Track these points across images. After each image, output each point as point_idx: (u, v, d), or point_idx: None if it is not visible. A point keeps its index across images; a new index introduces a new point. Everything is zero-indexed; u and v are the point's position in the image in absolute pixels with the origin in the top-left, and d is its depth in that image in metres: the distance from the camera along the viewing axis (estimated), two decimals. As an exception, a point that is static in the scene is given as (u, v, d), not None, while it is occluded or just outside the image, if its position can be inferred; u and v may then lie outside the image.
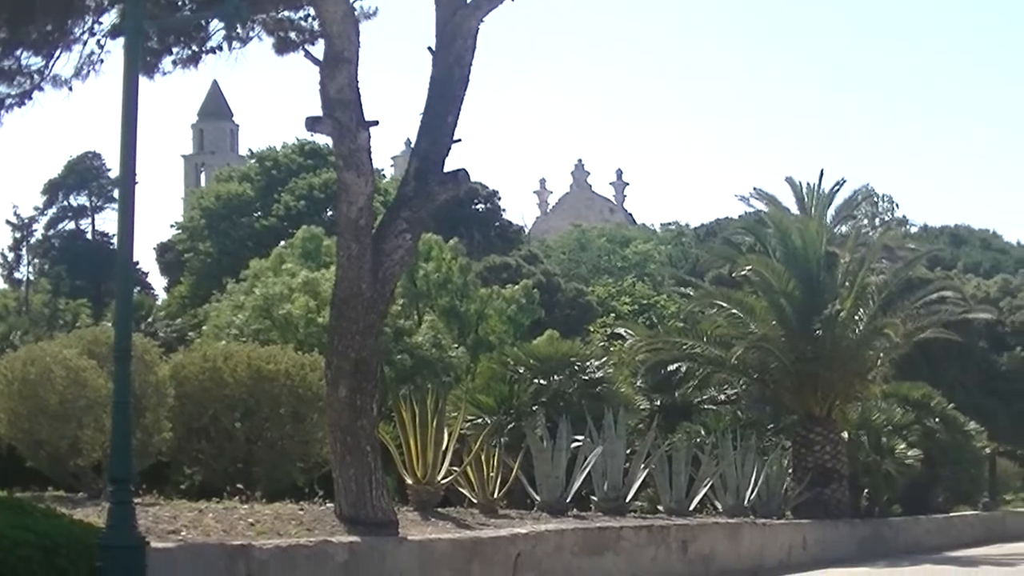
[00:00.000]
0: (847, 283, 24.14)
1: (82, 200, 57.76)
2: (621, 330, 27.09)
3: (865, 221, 44.66)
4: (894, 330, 23.16)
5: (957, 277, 42.15)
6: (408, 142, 62.97)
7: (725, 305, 23.83)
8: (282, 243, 37.00)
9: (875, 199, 63.07)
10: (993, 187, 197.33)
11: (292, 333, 27.59)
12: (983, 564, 20.07)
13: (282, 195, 49.48)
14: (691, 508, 18.22)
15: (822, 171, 25.20)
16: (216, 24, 12.40)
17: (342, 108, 10.91)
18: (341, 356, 10.95)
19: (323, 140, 34.32)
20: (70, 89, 12.87)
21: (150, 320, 37.63)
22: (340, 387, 10.89)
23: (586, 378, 20.85)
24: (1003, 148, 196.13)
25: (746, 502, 19.93)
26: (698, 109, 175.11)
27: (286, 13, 12.75)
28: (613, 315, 38.39)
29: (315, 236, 35.06)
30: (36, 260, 55.16)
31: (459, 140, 11.56)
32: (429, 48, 11.58)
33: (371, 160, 11.18)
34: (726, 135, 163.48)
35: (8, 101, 12.90)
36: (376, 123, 11.12)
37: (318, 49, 11.49)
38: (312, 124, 11.48)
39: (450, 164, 11.65)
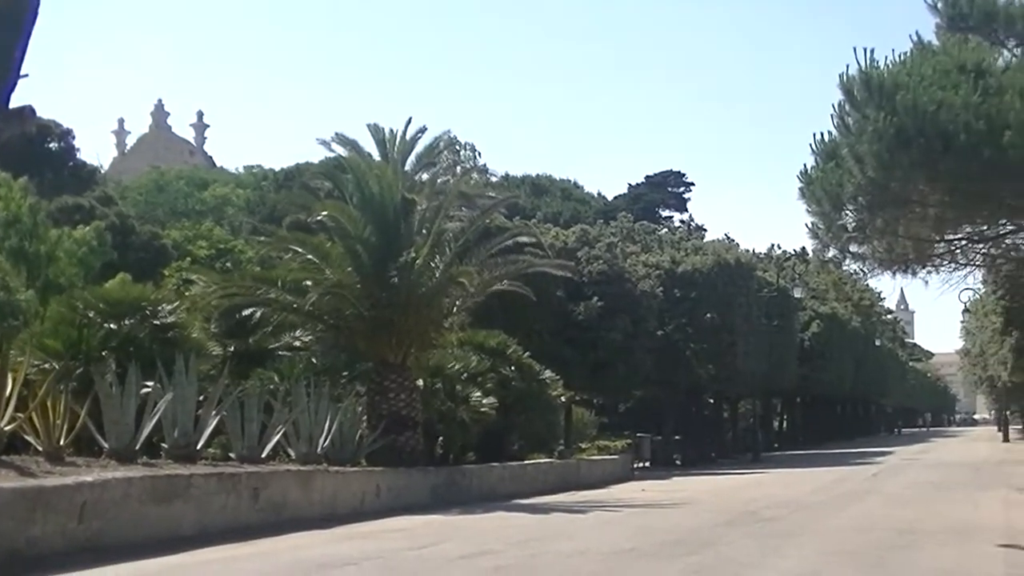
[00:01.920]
0: (424, 230, 25.33)
1: None
2: (193, 276, 27.39)
3: (450, 169, 46.97)
4: (469, 279, 24.54)
5: (537, 226, 44.17)
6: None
7: (301, 251, 24.82)
8: None
9: (457, 147, 66.82)
10: (574, 138, 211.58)
11: None
12: (556, 511, 21.59)
13: None
14: (263, 455, 18.89)
15: (410, 119, 26.00)
16: None
17: None
18: None
19: None
20: None
21: None
22: None
23: (158, 323, 20.97)
24: (583, 101, 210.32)
25: (319, 449, 20.91)
26: (283, 53, 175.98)
27: None
28: (189, 259, 38.96)
29: None
30: None
31: (27, 75, 11.90)
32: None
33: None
34: (313, 80, 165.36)
35: None
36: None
37: None
38: None
39: (18, 100, 11.97)
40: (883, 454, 54.65)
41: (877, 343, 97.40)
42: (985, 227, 21.07)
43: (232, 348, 25.13)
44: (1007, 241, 22.58)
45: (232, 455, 18.82)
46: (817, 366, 70.01)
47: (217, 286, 24.71)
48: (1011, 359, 42.14)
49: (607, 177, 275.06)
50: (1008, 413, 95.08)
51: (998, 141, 16.21)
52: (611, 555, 13.33)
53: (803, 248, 72.58)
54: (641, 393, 51.06)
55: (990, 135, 16.28)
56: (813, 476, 35.15)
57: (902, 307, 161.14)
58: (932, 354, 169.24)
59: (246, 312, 24.79)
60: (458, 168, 60.90)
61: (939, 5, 18.28)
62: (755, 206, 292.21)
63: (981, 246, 22.45)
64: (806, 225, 19.61)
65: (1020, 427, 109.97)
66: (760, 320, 57.25)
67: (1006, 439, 77.08)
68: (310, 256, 24.68)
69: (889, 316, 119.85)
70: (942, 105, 16.40)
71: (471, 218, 26.91)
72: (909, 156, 16.54)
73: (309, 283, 23.89)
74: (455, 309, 26.57)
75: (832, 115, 18.06)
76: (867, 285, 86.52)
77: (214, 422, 18.13)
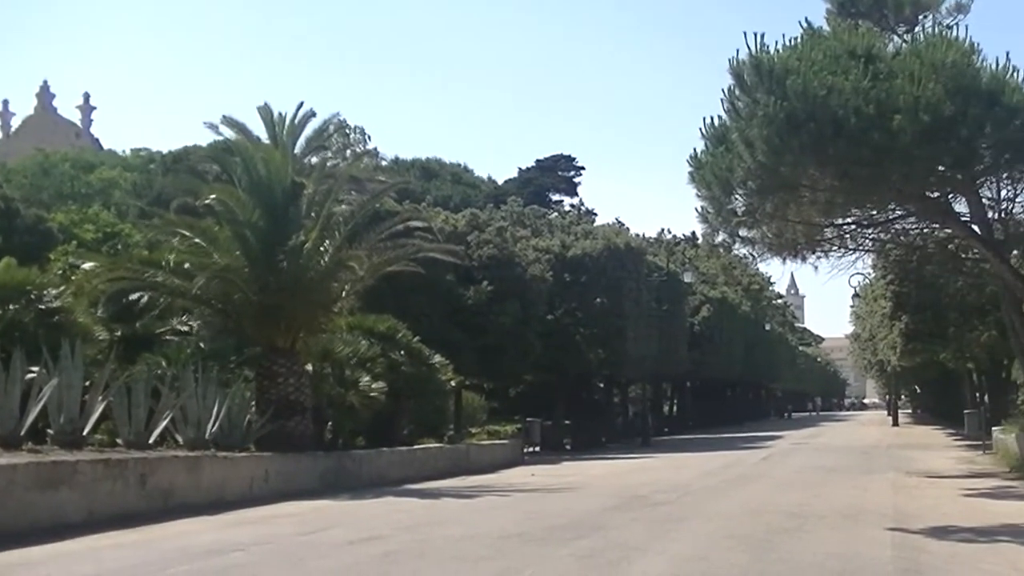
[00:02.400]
0: (313, 214, 25.66)
1: None
2: (79, 261, 27.23)
3: (339, 152, 46.92)
4: (359, 263, 24.93)
5: (427, 210, 44.32)
6: None
7: (188, 234, 24.87)
8: None
9: (347, 131, 66.81)
10: (464, 122, 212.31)
11: None
12: (445, 496, 22.05)
13: None
14: (151, 441, 19.13)
15: (301, 103, 26.17)
16: None
17: None
18: None
19: None
20: None
21: None
22: None
23: (43, 307, 21.16)
24: (474, 84, 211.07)
25: (208, 435, 21.16)
26: (171, 34, 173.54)
27: None
28: (75, 243, 38.65)
29: None
30: None
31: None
32: None
33: None
34: (202, 62, 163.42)
35: None
36: None
37: None
38: None
39: None
40: (773, 438, 55.53)
41: (767, 328, 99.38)
42: (875, 212, 21.80)
43: (119, 333, 25.07)
44: (896, 226, 23.49)
45: (119, 441, 18.94)
46: (707, 350, 71.04)
47: (103, 269, 24.60)
48: (900, 343, 42.89)
49: (497, 161, 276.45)
50: (898, 398, 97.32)
51: (888, 125, 16.84)
52: (500, 539, 13.64)
53: (693, 233, 73.95)
54: (531, 378, 51.35)
55: (880, 119, 16.89)
56: (702, 460, 35.52)
57: (792, 292, 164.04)
58: (822, 339, 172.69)
59: (133, 296, 24.83)
60: (348, 152, 60.96)
61: (829, -9, 18.97)
62: (645, 191, 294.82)
63: (870, 231, 23.30)
64: (696, 209, 20.13)
65: (910, 411, 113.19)
66: (650, 305, 57.84)
67: (896, 423, 78.85)
68: (198, 240, 24.76)
69: (779, 301, 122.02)
70: (832, 90, 16.92)
71: (361, 202, 27.25)
72: (799, 140, 16.98)
73: (197, 267, 24.01)
74: (344, 293, 26.78)
75: (722, 100, 18.54)
76: (757, 270, 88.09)
77: (100, 408, 18.25)
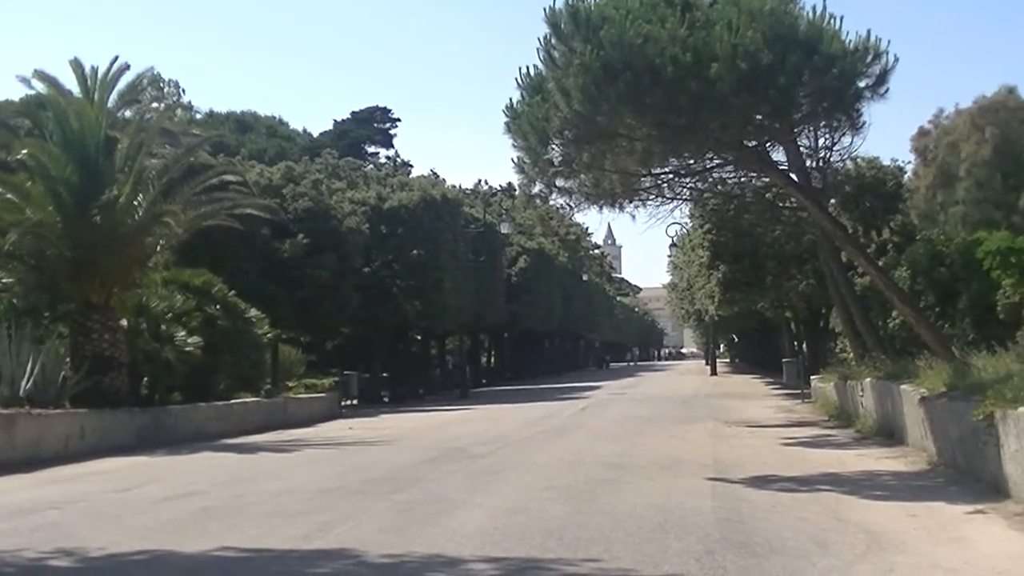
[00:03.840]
0: (127, 168, 25.81)
1: None
2: None
3: (155, 105, 46.24)
4: (174, 217, 25.09)
5: (242, 164, 44.63)
6: None
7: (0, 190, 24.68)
8: None
9: (162, 84, 65.89)
10: (280, 75, 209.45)
11: None
12: (263, 451, 22.41)
13: None
14: None
15: (116, 57, 26.18)
16: None
17: None
18: None
19: None
20: None
21: None
22: None
23: None
24: (288, 35, 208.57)
25: (22, 392, 21.46)
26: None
27: None
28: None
29: None
30: None
31: None
32: None
33: None
34: (13, 13, 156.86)
35: None
36: None
37: None
38: None
39: None
40: (591, 389, 55.76)
41: (584, 278, 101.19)
42: (692, 161, 22.09)
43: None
44: (714, 175, 24.08)
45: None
46: (524, 302, 72.14)
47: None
48: (718, 293, 42.45)
49: (312, 114, 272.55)
50: (716, 348, 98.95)
51: (705, 74, 17.01)
52: (318, 493, 13.85)
53: (510, 184, 75.04)
54: (348, 330, 52.02)
55: (697, 68, 17.04)
56: (521, 412, 35.55)
57: (609, 241, 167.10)
58: (640, 289, 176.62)
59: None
60: (162, 105, 60.34)
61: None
62: (462, 142, 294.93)
63: (688, 180, 23.71)
64: (512, 160, 20.02)
65: (728, 361, 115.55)
66: (467, 256, 58.70)
67: (714, 373, 79.62)
68: (10, 196, 24.69)
69: (596, 251, 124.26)
70: (649, 38, 16.97)
71: (175, 156, 27.45)
72: (616, 90, 17.00)
73: (9, 223, 23.94)
74: (159, 248, 26.97)
75: (538, 48, 18.38)
76: (574, 220, 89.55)
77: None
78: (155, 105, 33.69)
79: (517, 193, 74.79)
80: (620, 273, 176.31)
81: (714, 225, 37.59)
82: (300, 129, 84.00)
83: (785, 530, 10.20)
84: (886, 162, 38.01)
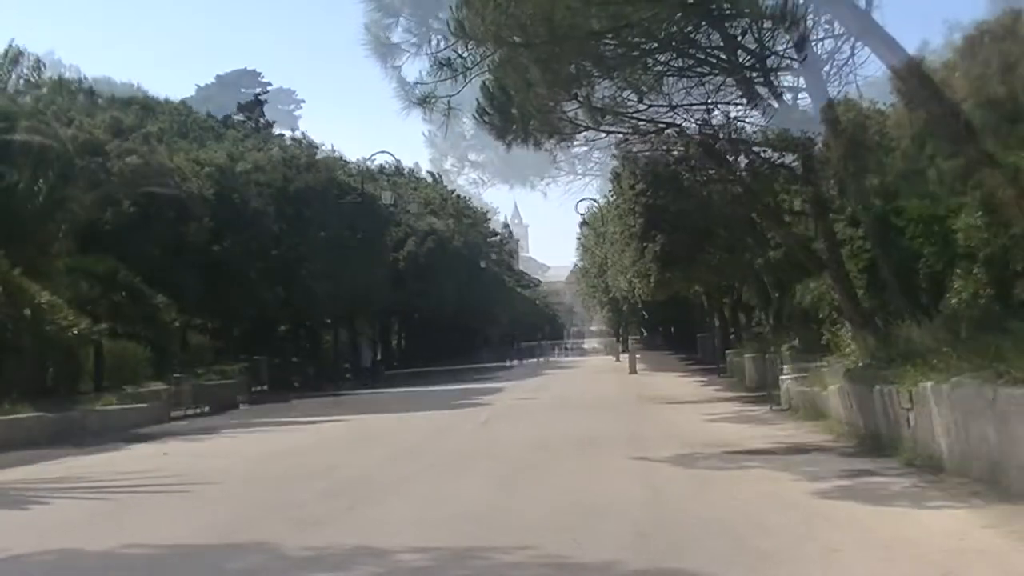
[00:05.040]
0: (25, 152, 25.21)
1: None
2: None
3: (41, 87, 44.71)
4: (79, 202, 25.39)
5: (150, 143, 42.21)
6: None
7: None
8: None
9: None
10: (143, 40, 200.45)
11: None
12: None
13: None
14: None
15: (12, 41, 26.25)
16: None
17: None
18: None
19: None
20: None
21: None
22: None
23: None
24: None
25: None
26: None
27: None
28: None
29: None
30: None
31: None
32: None
33: None
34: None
35: None
36: None
37: None
38: None
39: None
40: (493, 392, 40.67)
41: (483, 265, 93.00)
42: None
43: None
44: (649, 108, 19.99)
45: None
46: (417, 290, 67.77)
47: None
48: (655, 270, 32.53)
49: (175, 79, 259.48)
50: (633, 339, 79.92)
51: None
52: None
53: (417, 164, 72.24)
54: (257, 315, 49.65)
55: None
56: (406, 425, 26.76)
57: (516, 221, 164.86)
58: (539, 282, 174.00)
59: None
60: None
61: None
62: (364, 119, 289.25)
63: (620, 112, 19.79)
64: (423, 134, 18.78)
65: (639, 356, 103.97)
66: (342, 234, 53.94)
67: (633, 371, 60.35)
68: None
69: (495, 238, 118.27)
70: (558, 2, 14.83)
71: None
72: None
73: None
74: (61, 234, 26.69)
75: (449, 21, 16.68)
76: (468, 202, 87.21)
77: None
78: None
79: (425, 171, 72.77)
80: (528, 252, 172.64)
81: (649, 184, 29.94)
82: (162, 98, 79.12)
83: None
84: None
